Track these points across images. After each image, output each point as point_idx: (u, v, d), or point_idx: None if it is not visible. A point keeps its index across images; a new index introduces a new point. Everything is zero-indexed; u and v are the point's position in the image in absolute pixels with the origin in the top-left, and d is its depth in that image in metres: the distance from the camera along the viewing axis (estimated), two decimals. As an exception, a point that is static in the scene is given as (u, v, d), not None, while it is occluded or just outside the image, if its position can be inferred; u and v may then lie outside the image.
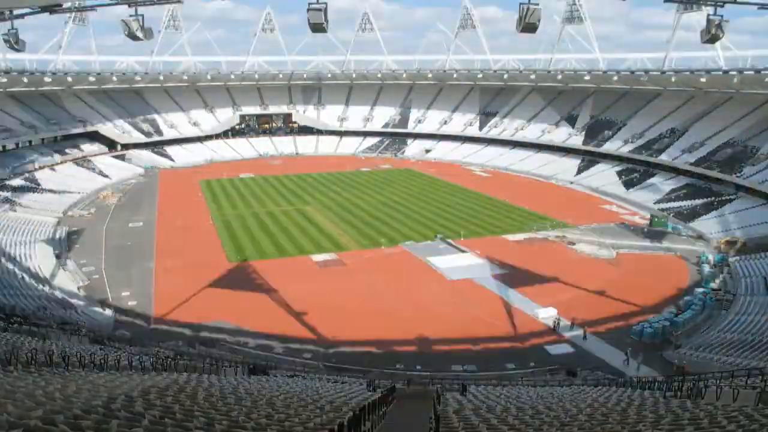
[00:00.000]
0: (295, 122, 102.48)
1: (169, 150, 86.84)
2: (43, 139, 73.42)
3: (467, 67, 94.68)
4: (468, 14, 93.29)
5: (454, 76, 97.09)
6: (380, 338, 28.47)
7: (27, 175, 62.08)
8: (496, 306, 32.37)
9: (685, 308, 31.62)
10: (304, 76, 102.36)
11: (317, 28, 15.76)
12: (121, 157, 79.60)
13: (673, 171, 64.07)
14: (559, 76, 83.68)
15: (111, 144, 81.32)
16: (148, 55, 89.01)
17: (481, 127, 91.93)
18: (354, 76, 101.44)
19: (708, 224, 49.59)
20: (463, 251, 42.17)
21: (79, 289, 34.30)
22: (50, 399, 7.49)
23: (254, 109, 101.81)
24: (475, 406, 11.62)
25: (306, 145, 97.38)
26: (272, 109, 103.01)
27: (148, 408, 7.52)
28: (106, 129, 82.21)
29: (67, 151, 74.10)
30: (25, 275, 33.88)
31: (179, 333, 28.83)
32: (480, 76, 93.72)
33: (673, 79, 69.42)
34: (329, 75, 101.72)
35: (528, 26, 15.70)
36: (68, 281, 35.59)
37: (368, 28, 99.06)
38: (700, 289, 34.12)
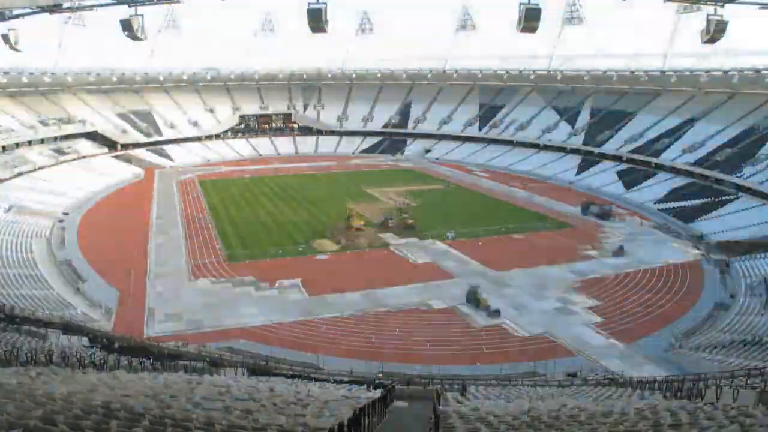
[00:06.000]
0: (294, 122, 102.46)
1: (169, 150, 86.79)
2: (43, 139, 73.37)
3: (467, 67, 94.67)
4: (468, 14, 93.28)
5: (454, 76, 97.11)
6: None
7: (27, 175, 62.05)
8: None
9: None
10: (304, 76, 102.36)
11: (317, 28, 15.77)
12: (121, 157, 79.58)
13: (673, 171, 64.08)
14: (559, 76, 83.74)
15: (111, 144, 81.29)
16: (148, 55, 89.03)
17: (480, 127, 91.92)
18: (354, 76, 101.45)
19: (708, 224, 49.59)
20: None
21: (78, 289, 34.28)
22: (50, 399, 7.49)
23: (254, 109, 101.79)
24: (475, 406, 11.62)
25: (306, 145, 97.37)
26: (272, 109, 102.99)
27: (148, 408, 7.52)
28: (106, 129, 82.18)
29: (66, 151, 74.07)
30: (24, 275, 33.88)
31: (179, 333, 28.81)
32: (480, 76, 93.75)
33: (673, 79, 69.53)
34: (329, 75, 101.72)
35: (528, 26, 15.73)
36: (68, 281, 35.57)
37: (368, 28, 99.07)
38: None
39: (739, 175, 55.50)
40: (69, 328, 24.33)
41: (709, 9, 16.85)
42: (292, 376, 20.06)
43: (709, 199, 55.29)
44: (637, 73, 73.17)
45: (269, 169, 79.31)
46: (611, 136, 75.39)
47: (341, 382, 19.32)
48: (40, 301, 29.79)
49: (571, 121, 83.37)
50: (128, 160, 79.44)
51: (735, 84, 63.31)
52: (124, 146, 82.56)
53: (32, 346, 16.87)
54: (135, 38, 16.65)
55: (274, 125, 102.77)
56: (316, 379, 19.78)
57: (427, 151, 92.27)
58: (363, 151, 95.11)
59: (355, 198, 60.37)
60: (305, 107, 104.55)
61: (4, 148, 66.07)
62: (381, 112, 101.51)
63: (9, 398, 6.92)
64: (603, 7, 76.45)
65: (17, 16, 15.85)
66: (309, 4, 15.30)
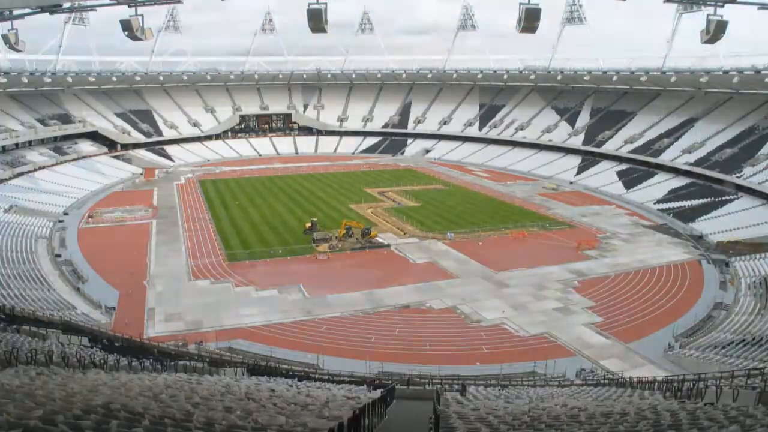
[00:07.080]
0: (294, 122, 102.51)
1: (169, 150, 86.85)
2: (43, 139, 73.40)
3: (467, 66, 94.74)
4: (468, 14, 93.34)
5: (454, 76, 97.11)
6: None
7: (27, 175, 62.05)
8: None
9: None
10: (304, 76, 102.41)
11: (317, 28, 15.73)
12: (121, 157, 79.60)
13: (673, 171, 64.09)
14: (559, 76, 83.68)
15: (111, 144, 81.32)
16: (148, 55, 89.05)
17: (480, 127, 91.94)
18: (354, 76, 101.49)
19: (708, 224, 49.58)
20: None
21: (78, 289, 34.26)
22: (50, 399, 7.48)
23: (254, 109, 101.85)
24: (475, 406, 11.61)
25: (306, 145, 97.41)
26: (272, 109, 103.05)
27: (148, 408, 7.51)
28: (106, 129, 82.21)
29: (66, 151, 74.09)
30: (24, 276, 33.86)
31: (179, 333, 28.79)
32: (480, 76, 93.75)
33: (673, 79, 69.45)
34: (329, 75, 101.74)
35: (528, 26, 15.70)
36: (67, 281, 35.55)
37: (368, 29, 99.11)
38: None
39: (739, 175, 55.50)
40: (69, 328, 24.30)
41: (709, 9, 16.83)
42: (292, 376, 20.05)
43: (709, 199, 55.29)
44: (637, 73, 73.12)
45: (269, 170, 79.32)
46: (611, 136, 75.41)
47: (341, 382, 19.30)
48: (40, 301, 29.76)
49: (571, 121, 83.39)
50: (128, 160, 79.47)
51: (735, 84, 63.26)
52: (124, 146, 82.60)
53: (32, 346, 16.84)
54: (135, 38, 16.61)
55: (274, 125, 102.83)
56: (316, 379, 19.77)
57: (427, 151, 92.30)
58: (363, 151, 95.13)
59: (356, 198, 60.43)
60: (305, 107, 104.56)
61: (4, 148, 66.10)
62: (381, 112, 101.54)
63: (9, 398, 6.92)
64: (603, 6, 76.42)
65: (17, 16, 15.82)
66: (309, 4, 15.26)
